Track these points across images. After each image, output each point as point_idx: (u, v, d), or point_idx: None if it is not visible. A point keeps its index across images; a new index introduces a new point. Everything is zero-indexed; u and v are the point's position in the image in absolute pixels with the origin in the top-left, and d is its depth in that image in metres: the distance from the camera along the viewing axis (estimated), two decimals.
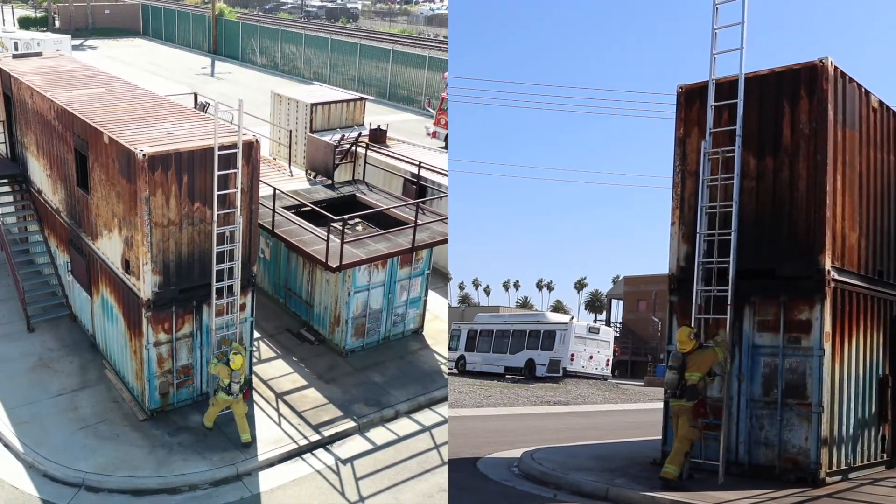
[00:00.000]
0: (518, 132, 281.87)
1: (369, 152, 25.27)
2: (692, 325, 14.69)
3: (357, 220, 20.13)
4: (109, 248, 16.22)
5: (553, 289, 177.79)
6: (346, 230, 18.33)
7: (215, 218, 15.00)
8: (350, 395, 17.19)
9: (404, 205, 20.66)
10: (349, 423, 16.19)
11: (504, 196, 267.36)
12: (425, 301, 20.16)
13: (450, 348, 45.77)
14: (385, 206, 20.50)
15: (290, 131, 27.88)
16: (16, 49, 48.65)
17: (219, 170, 14.71)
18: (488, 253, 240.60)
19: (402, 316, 19.74)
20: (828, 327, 14.08)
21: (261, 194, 16.79)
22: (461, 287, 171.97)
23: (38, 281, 20.55)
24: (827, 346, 14.05)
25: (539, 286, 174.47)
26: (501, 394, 34.22)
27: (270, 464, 14.89)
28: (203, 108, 26.96)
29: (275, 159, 27.99)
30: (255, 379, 17.39)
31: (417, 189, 22.57)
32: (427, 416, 16.91)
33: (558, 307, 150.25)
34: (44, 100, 18.44)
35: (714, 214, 15.02)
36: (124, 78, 21.76)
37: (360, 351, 19.10)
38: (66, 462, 14.30)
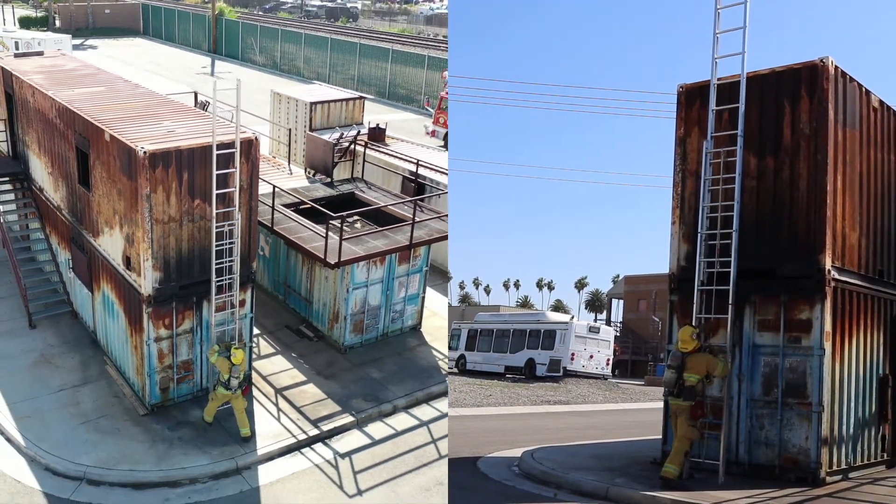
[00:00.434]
0: (518, 131, 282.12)
1: (368, 150, 25.34)
2: (693, 325, 14.69)
3: (356, 217, 20.21)
4: (110, 244, 16.25)
5: (553, 288, 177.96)
6: (344, 227, 18.37)
7: (214, 214, 15.03)
8: (348, 391, 17.26)
9: (402, 202, 20.71)
10: (348, 418, 16.25)
11: (504, 195, 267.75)
12: (423, 298, 20.22)
13: (450, 347, 45.80)
14: (383, 204, 20.55)
15: (290, 130, 27.92)
16: (17, 48, 48.68)
17: (218, 167, 14.75)
18: (488, 252, 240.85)
19: (400, 312, 19.78)
20: (828, 327, 14.09)
21: (260, 192, 16.85)
22: (461, 286, 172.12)
23: (39, 278, 20.60)
24: (827, 345, 14.06)
25: (539, 285, 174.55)
26: (502, 393, 34.23)
27: (270, 458, 14.96)
28: (203, 106, 26.97)
29: (274, 157, 28.03)
30: (254, 374, 17.45)
31: (416, 187, 22.63)
32: (425, 412, 16.98)
33: (558, 306, 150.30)
34: (45, 98, 18.46)
35: (715, 214, 15.03)
36: (125, 77, 21.77)
37: (359, 347, 19.14)
38: (67, 456, 14.36)
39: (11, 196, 21.53)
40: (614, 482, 13.95)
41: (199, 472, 14.26)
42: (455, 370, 46.66)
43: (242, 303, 16.23)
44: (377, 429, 16.25)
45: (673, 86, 16.51)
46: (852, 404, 14.87)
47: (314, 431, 15.76)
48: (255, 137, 15.65)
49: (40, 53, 24.68)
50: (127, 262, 15.56)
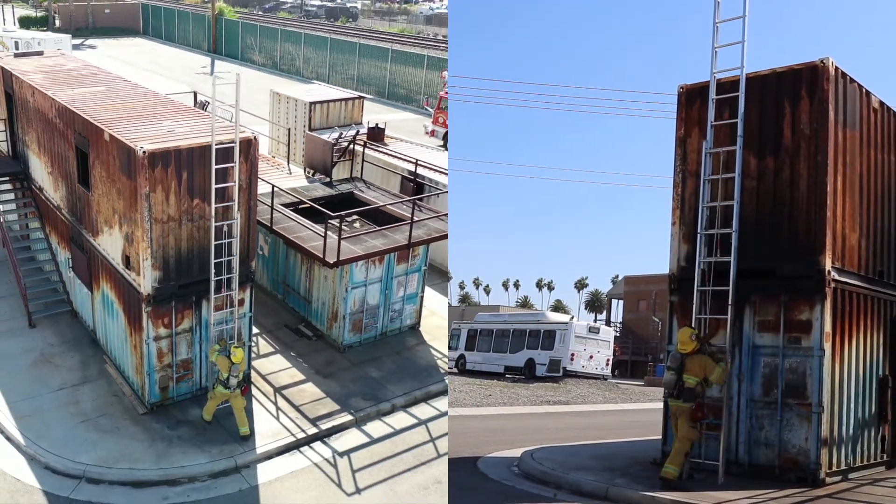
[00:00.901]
0: (518, 132, 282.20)
1: (367, 150, 25.35)
2: (693, 326, 14.68)
3: (354, 216, 20.22)
4: (110, 244, 16.25)
5: (553, 288, 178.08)
6: (343, 227, 18.38)
7: (213, 212, 15.03)
8: (347, 390, 17.26)
9: (401, 202, 20.71)
10: (346, 417, 16.26)
11: (504, 195, 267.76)
12: (422, 297, 20.23)
13: (450, 348, 45.79)
14: (382, 203, 20.56)
15: (289, 129, 27.91)
16: (16, 48, 48.68)
17: (217, 164, 14.75)
18: (488, 252, 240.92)
19: (398, 312, 19.78)
20: (828, 327, 14.09)
21: (260, 191, 16.85)
22: (461, 286, 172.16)
23: (39, 277, 20.60)
24: (827, 346, 14.05)
25: (539, 286, 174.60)
26: (501, 393, 34.22)
27: (269, 456, 14.98)
28: (203, 106, 26.96)
29: (274, 157, 28.02)
30: (253, 373, 17.45)
31: (415, 186, 22.64)
32: (423, 411, 16.99)
33: (558, 307, 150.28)
34: (45, 98, 18.46)
35: (714, 214, 15.03)
36: (125, 77, 21.77)
37: (358, 346, 19.15)
38: (67, 455, 14.37)
39: (11, 196, 21.53)
40: (614, 482, 13.94)
41: (198, 471, 14.27)
42: (455, 370, 46.65)
43: (241, 302, 16.24)
44: (376, 427, 16.26)
45: (673, 86, 16.53)
46: (852, 405, 14.86)
47: (313, 430, 15.76)
48: (255, 137, 15.66)
49: (40, 53, 24.67)
50: (126, 261, 15.56)
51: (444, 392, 17.72)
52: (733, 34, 14.77)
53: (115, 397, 16.41)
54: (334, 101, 29.17)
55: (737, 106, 14.79)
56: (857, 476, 14.97)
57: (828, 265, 14.14)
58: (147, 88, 19.94)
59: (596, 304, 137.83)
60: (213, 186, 14.88)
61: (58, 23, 78.04)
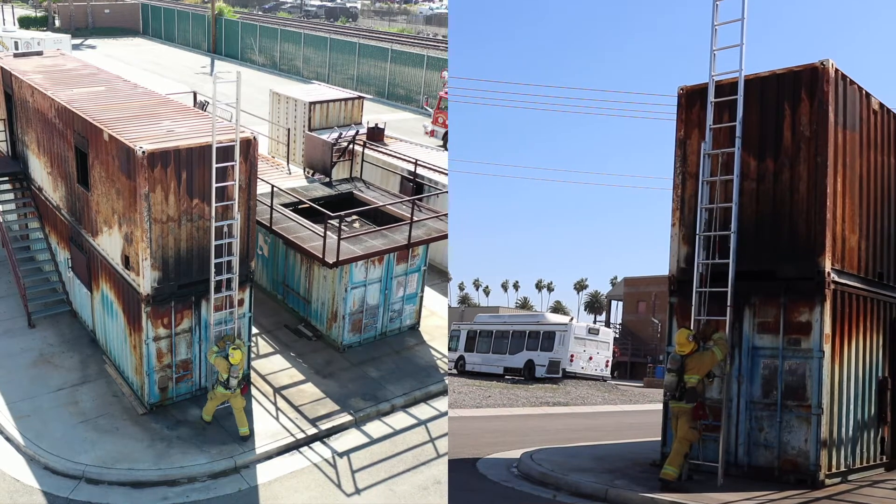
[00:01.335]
0: (519, 133, 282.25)
1: (367, 150, 25.34)
2: (692, 327, 14.68)
3: (354, 216, 20.22)
4: (109, 244, 16.24)
5: (553, 290, 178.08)
6: (343, 227, 18.38)
7: (213, 212, 15.03)
8: (347, 390, 17.26)
9: (401, 202, 20.70)
10: (346, 417, 16.26)
11: (504, 197, 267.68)
12: (422, 297, 20.23)
13: (449, 349, 45.79)
14: (382, 204, 20.55)
15: (289, 129, 27.91)
16: (16, 48, 48.66)
17: (217, 164, 14.75)
18: (488, 253, 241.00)
19: (398, 312, 19.78)
20: (827, 329, 14.08)
21: (259, 192, 16.85)
22: (461, 287, 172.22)
23: (38, 277, 20.59)
24: (827, 347, 14.05)
25: (539, 287, 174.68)
26: (501, 394, 34.21)
27: (268, 457, 14.98)
28: (202, 106, 26.96)
29: (273, 157, 28.03)
30: (253, 374, 17.45)
31: (414, 186, 22.64)
32: (423, 411, 16.99)
33: (558, 308, 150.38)
34: (44, 98, 18.45)
35: (714, 215, 15.03)
36: (124, 77, 21.77)
37: (357, 346, 19.14)
38: (66, 455, 14.36)
39: (11, 196, 21.52)
40: (613, 484, 13.94)
41: (197, 471, 14.27)
42: (454, 371, 46.63)
43: (241, 302, 16.23)
44: (375, 428, 16.26)
45: (673, 87, 16.53)
46: (851, 407, 14.86)
47: (312, 430, 15.76)
48: (254, 137, 15.65)
49: (40, 53, 24.66)
50: (126, 261, 15.56)
51: (443, 392, 17.72)
52: (732, 37, 14.79)
53: (114, 397, 16.41)
54: (334, 101, 29.17)
55: (736, 108, 14.78)
56: (857, 478, 14.97)
57: (827, 267, 14.14)
58: (146, 88, 19.94)
59: (595, 305, 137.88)
60: (213, 186, 14.87)
61: (57, 23, 78.04)
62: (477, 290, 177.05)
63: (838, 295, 14.49)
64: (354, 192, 21.76)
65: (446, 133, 38.33)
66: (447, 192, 22.52)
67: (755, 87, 14.99)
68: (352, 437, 15.89)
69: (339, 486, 14.37)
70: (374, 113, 36.89)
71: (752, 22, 14.66)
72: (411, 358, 18.99)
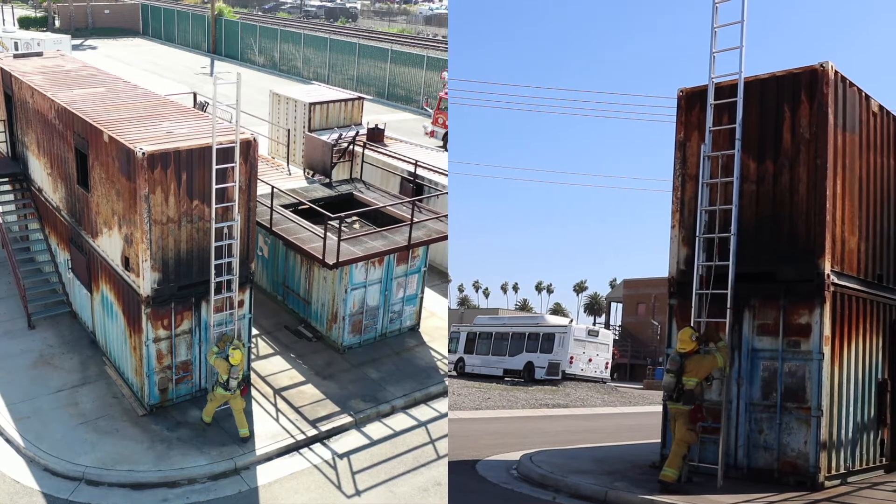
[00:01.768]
0: (518, 134, 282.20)
1: (367, 151, 25.34)
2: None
3: (354, 217, 20.22)
4: (109, 245, 16.24)
5: (552, 291, 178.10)
6: (343, 228, 18.39)
7: (213, 213, 15.03)
8: (347, 391, 17.26)
9: (401, 203, 20.71)
10: (346, 419, 16.26)
11: (504, 198, 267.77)
12: (422, 298, 20.23)
13: (449, 351, 45.79)
14: (382, 205, 20.56)
15: (289, 130, 27.92)
16: (16, 49, 48.68)
17: (217, 165, 14.75)
18: (488, 255, 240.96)
19: (398, 313, 19.79)
20: (827, 331, 14.08)
21: (259, 193, 16.84)
22: (460, 289, 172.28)
23: (38, 278, 20.58)
24: (826, 349, 14.05)
25: (538, 289, 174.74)
26: (500, 396, 34.21)
27: (268, 458, 14.97)
28: (202, 107, 26.97)
29: (273, 158, 28.03)
30: (253, 375, 17.45)
31: (414, 187, 22.64)
32: (423, 412, 16.99)
33: (557, 310, 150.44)
34: (44, 99, 18.45)
35: (714, 217, 15.03)
36: (124, 77, 21.77)
37: (357, 347, 19.14)
38: (66, 456, 14.36)
39: (11, 197, 21.52)
40: (613, 486, 13.94)
41: (197, 473, 14.26)
42: (454, 373, 46.61)
43: (241, 303, 16.23)
44: (375, 429, 16.26)
45: (673, 89, 16.54)
46: (851, 409, 14.86)
47: (312, 432, 15.76)
48: (254, 138, 15.65)
49: (39, 54, 24.67)
50: (126, 262, 15.56)
51: (443, 393, 17.73)
52: (732, 39, 14.80)
53: (114, 399, 16.40)
54: (334, 101, 29.19)
55: (736, 110, 14.79)
56: (856, 480, 14.96)
57: (827, 269, 14.14)
58: (146, 89, 19.94)
59: (595, 307, 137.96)
60: (213, 188, 14.88)
61: (57, 23, 78.07)
62: (476, 291, 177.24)
63: (838, 297, 14.49)
64: (354, 193, 21.76)
65: (446, 134, 38.34)
66: (447, 193, 22.53)
67: (755, 89, 15.00)
68: (352, 439, 15.89)
69: (339, 487, 14.37)
70: (374, 113, 36.90)
71: (752, 24, 14.69)
72: (411, 359, 18.99)
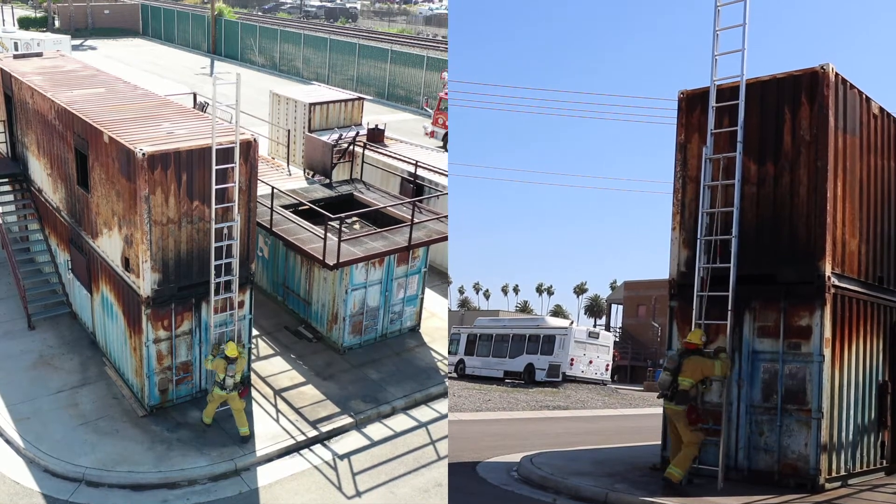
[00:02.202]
0: (519, 135, 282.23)
1: (367, 151, 25.33)
2: (692, 331, 14.65)
3: (354, 218, 20.21)
4: (109, 246, 16.23)
5: (553, 293, 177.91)
6: (343, 228, 18.38)
7: (213, 214, 15.02)
8: (347, 392, 17.25)
9: (401, 203, 20.70)
10: (346, 419, 16.26)
11: (504, 199, 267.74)
12: (422, 299, 20.23)
13: (449, 352, 45.80)
14: (382, 205, 20.55)
15: (289, 131, 27.91)
16: (16, 49, 48.65)
17: (217, 165, 14.75)
18: (488, 256, 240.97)
19: (399, 313, 19.78)
20: (828, 333, 14.07)
21: (259, 193, 16.84)
22: (461, 291, 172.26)
23: (38, 279, 20.56)
24: (827, 352, 14.04)
25: (539, 290, 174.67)
26: (501, 398, 34.20)
27: (268, 459, 14.97)
28: (202, 107, 26.97)
29: (273, 159, 28.01)
30: (253, 376, 17.44)
31: (414, 188, 22.63)
32: (423, 413, 16.99)
33: (558, 312, 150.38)
34: (44, 99, 18.44)
35: (714, 219, 15.03)
36: (124, 78, 21.76)
37: (358, 348, 19.14)
38: (66, 457, 14.35)
39: (11, 197, 21.51)
40: (613, 487, 13.93)
41: (197, 474, 14.25)
42: (454, 375, 46.59)
43: (241, 304, 16.23)
44: (376, 430, 16.25)
45: (673, 91, 16.54)
46: (851, 411, 14.85)
47: (313, 433, 15.75)
48: (254, 139, 15.65)
49: (39, 54, 24.66)
50: (126, 263, 15.55)
51: (444, 394, 17.72)
52: (733, 41, 14.79)
53: (114, 399, 16.39)
54: (334, 102, 29.18)
55: (737, 112, 14.79)
56: (857, 482, 14.95)
57: (827, 271, 14.13)
58: (146, 90, 19.92)
59: (595, 309, 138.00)
60: (213, 188, 14.87)
61: (57, 23, 78.08)
62: (477, 293, 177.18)
63: (838, 299, 14.48)
64: (354, 193, 21.75)
65: (446, 134, 38.33)
66: (447, 193, 22.52)
67: (755, 91, 14.99)
68: (352, 440, 15.88)
69: (339, 488, 14.36)
70: (374, 114, 36.90)
71: (753, 26, 14.68)
72: (411, 360, 18.98)
